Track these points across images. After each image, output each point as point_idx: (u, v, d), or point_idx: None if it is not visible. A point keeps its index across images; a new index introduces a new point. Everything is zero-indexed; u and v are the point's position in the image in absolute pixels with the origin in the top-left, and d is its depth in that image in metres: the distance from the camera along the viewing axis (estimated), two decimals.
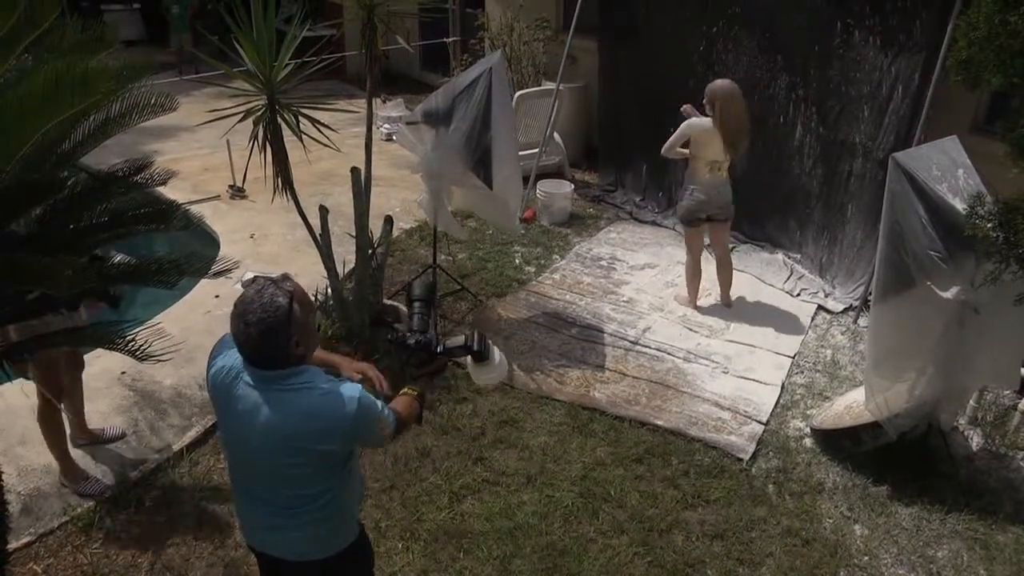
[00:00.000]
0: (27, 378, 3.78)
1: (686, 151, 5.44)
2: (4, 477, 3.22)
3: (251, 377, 2.19)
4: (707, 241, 5.92)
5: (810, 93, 6.13)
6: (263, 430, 2.17)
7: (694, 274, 5.86)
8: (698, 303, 5.96)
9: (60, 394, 3.90)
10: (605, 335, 5.59)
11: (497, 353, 2.64)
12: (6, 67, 2.79)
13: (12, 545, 3.53)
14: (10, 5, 2.64)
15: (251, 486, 2.38)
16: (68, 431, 4.07)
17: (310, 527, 2.34)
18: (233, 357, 2.24)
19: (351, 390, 2.20)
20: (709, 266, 5.94)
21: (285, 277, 2.21)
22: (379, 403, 2.29)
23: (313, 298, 5.19)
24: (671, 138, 5.46)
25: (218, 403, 2.31)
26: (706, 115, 5.27)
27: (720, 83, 5.25)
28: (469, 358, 2.64)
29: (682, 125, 5.37)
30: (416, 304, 2.60)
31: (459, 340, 2.55)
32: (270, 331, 2.10)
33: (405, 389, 2.51)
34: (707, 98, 5.24)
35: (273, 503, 2.33)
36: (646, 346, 5.48)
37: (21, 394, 4.30)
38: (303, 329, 2.16)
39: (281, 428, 2.15)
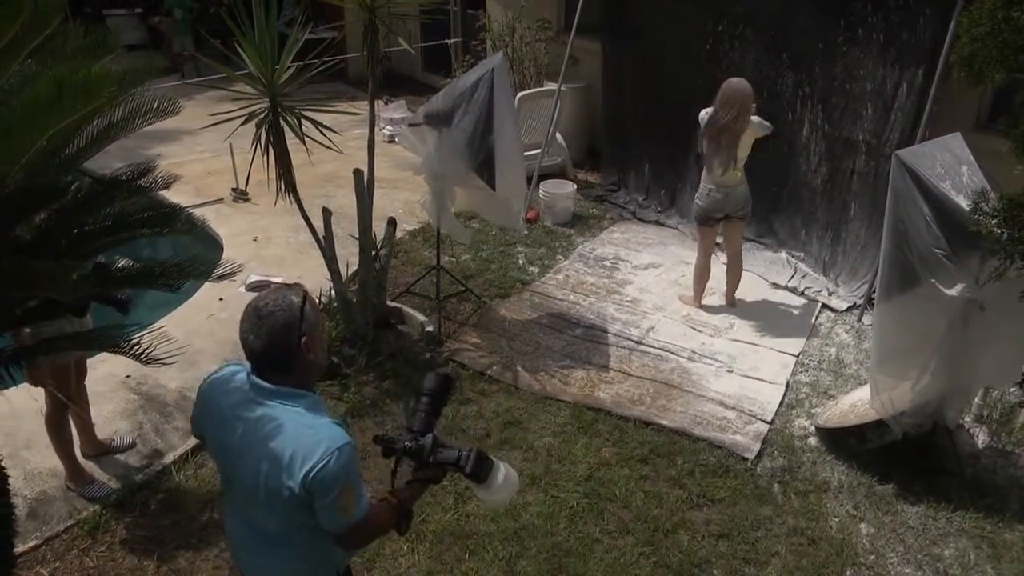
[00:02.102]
0: (37, 384, 3.79)
1: None
2: (10, 481, 3.22)
3: (253, 390, 2.13)
4: (714, 244, 5.91)
5: (816, 91, 6.12)
6: (250, 444, 2.09)
7: (702, 274, 5.85)
8: (702, 302, 5.96)
9: (69, 399, 3.91)
10: (609, 335, 5.59)
11: (502, 473, 2.28)
12: (10, 73, 2.80)
13: (19, 549, 3.53)
14: (14, 11, 2.65)
15: (235, 501, 2.29)
16: (76, 439, 4.08)
17: (280, 564, 2.23)
18: (245, 369, 2.20)
19: (338, 436, 2.06)
20: (714, 266, 5.93)
21: (296, 284, 2.20)
22: (358, 477, 2.13)
23: (317, 300, 5.19)
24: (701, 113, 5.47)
25: (215, 405, 2.21)
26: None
27: (725, 83, 5.24)
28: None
29: (703, 112, 5.40)
30: (424, 399, 2.33)
31: (453, 454, 2.24)
32: (283, 326, 2.06)
33: (385, 495, 2.26)
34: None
35: (251, 525, 2.23)
36: (650, 346, 5.47)
37: (27, 398, 4.30)
38: (313, 331, 2.12)
39: (264, 446, 2.06)
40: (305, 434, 2.05)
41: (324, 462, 2.00)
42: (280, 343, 2.07)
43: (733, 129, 5.19)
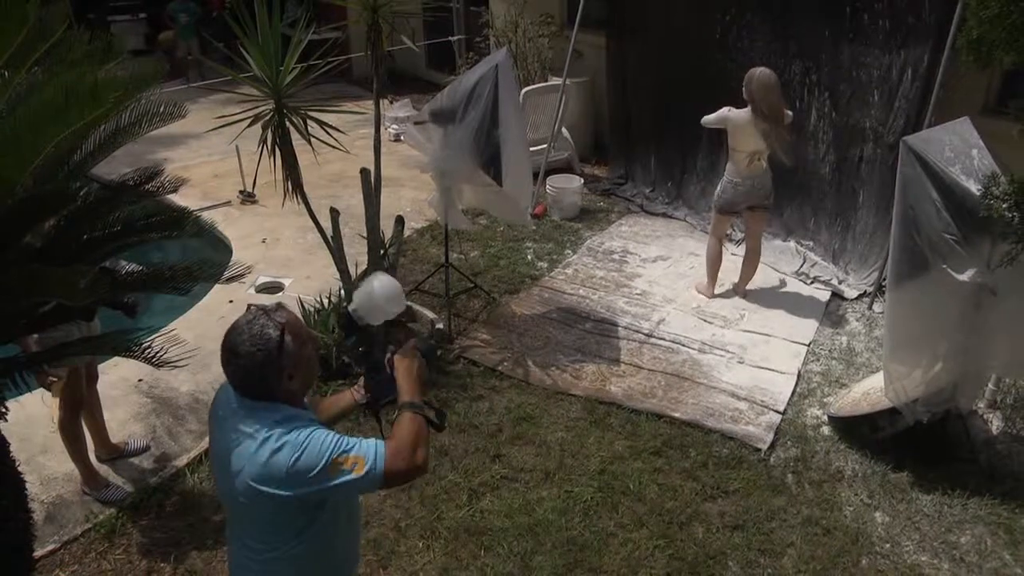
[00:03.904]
0: (48, 389, 3.81)
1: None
2: (27, 486, 3.25)
3: (236, 402, 2.08)
4: (727, 231, 5.88)
5: (823, 78, 6.10)
6: (231, 457, 2.05)
7: (715, 259, 5.83)
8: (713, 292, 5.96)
9: (81, 404, 3.94)
10: (619, 328, 5.59)
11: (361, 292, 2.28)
12: (17, 80, 2.82)
13: (38, 552, 3.56)
14: (20, 20, 2.66)
15: (228, 515, 2.26)
16: (89, 442, 4.10)
17: None
18: None
19: (293, 424, 2.00)
20: (723, 258, 5.91)
21: (279, 307, 2.11)
22: (338, 442, 1.99)
23: (326, 300, 5.20)
24: (712, 115, 5.42)
25: (213, 419, 2.20)
26: (743, 106, 5.24)
27: (757, 73, 5.20)
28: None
29: (721, 111, 5.35)
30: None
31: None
32: (260, 364, 2.00)
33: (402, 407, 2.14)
34: (744, 88, 5.22)
35: (239, 538, 2.20)
36: (661, 338, 5.46)
37: (41, 404, 4.34)
38: (296, 361, 2.04)
39: (240, 458, 2.02)
40: (258, 442, 1.99)
41: (277, 448, 1.95)
42: (259, 378, 2.02)
43: (774, 118, 5.19)
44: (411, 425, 2.06)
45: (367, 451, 1.99)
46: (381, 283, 2.28)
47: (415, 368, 2.19)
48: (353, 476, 1.96)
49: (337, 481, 1.97)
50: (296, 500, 2.00)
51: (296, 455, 1.95)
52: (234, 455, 2.03)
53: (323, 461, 1.95)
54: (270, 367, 2.01)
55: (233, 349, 2.02)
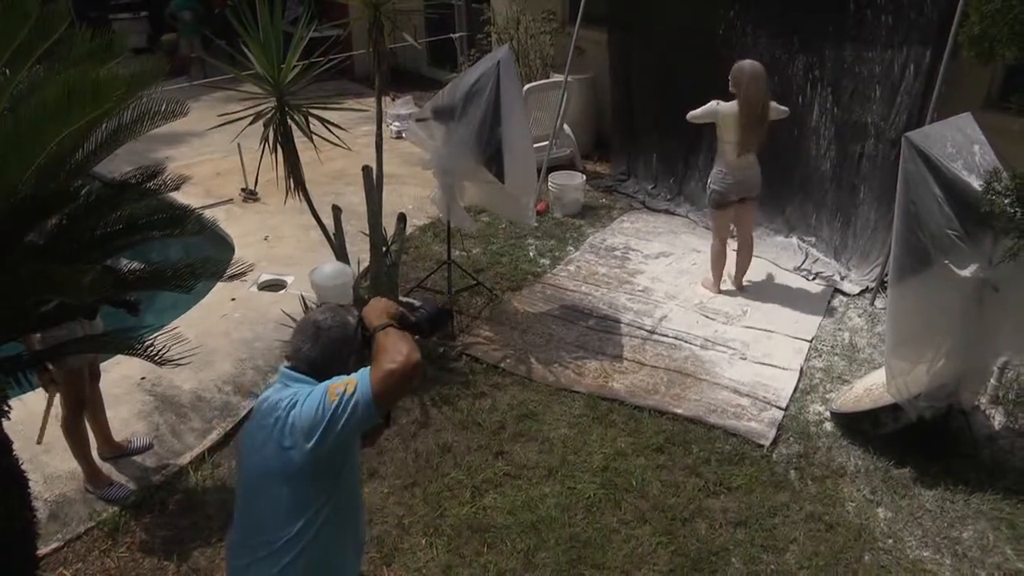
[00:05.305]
0: (47, 389, 3.82)
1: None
2: (31, 484, 3.26)
3: (280, 380, 2.21)
4: (729, 230, 5.88)
5: (825, 74, 6.09)
6: (263, 435, 2.14)
7: (719, 257, 5.84)
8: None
9: (84, 402, 3.95)
10: (622, 325, 5.59)
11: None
12: (19, 79, 2.82)
13: (42, 551, 3.57)
14: (21, 17, 2.67)
15: (240, 511, 2.29)
16: (92, 440, 4.11)
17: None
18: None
19: (300, 393, 2.11)
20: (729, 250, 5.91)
21: (352, 307, 2.29)
22: (335, 379, 2.08)
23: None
24: (698, 109, 5.43)
25: (250, 424, 2.27)
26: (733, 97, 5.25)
27: (744, 65, 5.22)
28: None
29: (710, 103, 5.35)
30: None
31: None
32: (339, 341, 2.20)
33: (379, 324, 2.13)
34: (731, 79, 5.22)
35: (250, 542, 2.23)
36: (663, 335, 5.46)
37: (43, 402, 4.34)
38: (360, 355, 2.20)
39: (265, 429, 2.13)
40: (284, 407, 2.11)
41: (294, 404, 2.08)
42: (334, 356, 2.20)
43: (762, 111, 5.20)
44: (382, 341, 2.07)
45: (356, 375, 2.07)
46: (315, 272, 2.40)
47: (380, 304, 2.26)
48: (346, 395, 2.02)
49: (336, 405, 2.01)
50: (314, 460, 2.06)
51: (305, 398, 2.08)
52: (266, 431, 2.12)
53: (322, 391, 2.06)
54: (346, 346, 2.21)
55: (317, 325, 2.22)
